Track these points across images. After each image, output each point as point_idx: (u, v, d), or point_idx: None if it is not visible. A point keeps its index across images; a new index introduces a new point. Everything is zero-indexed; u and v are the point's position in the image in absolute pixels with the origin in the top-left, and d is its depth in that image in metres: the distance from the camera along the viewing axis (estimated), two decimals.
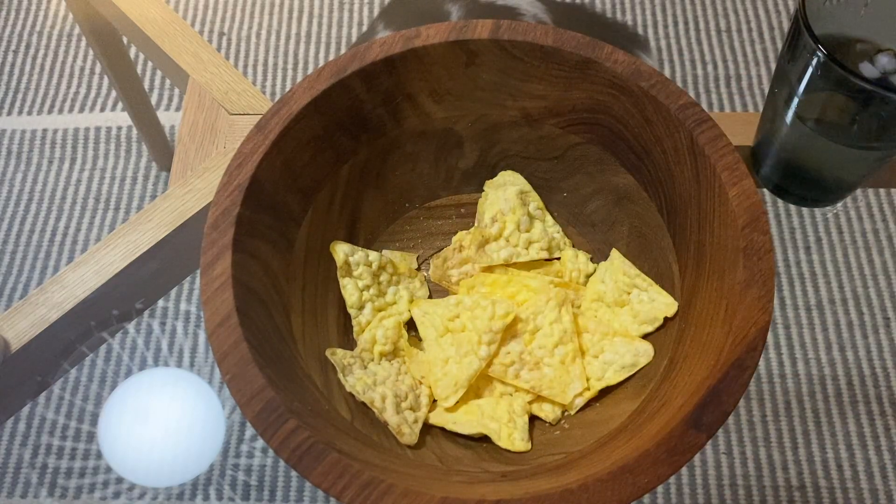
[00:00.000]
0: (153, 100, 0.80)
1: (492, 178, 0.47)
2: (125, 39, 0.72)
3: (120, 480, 0.56)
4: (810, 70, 0.41)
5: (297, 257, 0.42)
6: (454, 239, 0.47)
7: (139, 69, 0.81)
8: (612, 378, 0.41)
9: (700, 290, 0.39)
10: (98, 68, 0.81)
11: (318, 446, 0.33)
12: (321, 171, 0.43)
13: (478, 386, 0.42)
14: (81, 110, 0.78)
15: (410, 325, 0.44)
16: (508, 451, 0.40)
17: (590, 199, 0.46)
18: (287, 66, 0.82)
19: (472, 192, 0.48)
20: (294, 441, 0.33)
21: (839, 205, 0.64)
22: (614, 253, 0.44)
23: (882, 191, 0.69)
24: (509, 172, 0.47)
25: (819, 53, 0.40)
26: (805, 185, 0.50)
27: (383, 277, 0.44)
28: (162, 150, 0.77)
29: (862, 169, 0.48)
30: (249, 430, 0.58)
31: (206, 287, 0.36)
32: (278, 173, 0.40)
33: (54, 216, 0.72)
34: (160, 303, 0.62)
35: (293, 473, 0.58)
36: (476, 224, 0.46)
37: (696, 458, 0.60)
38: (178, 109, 0.79)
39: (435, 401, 0.41)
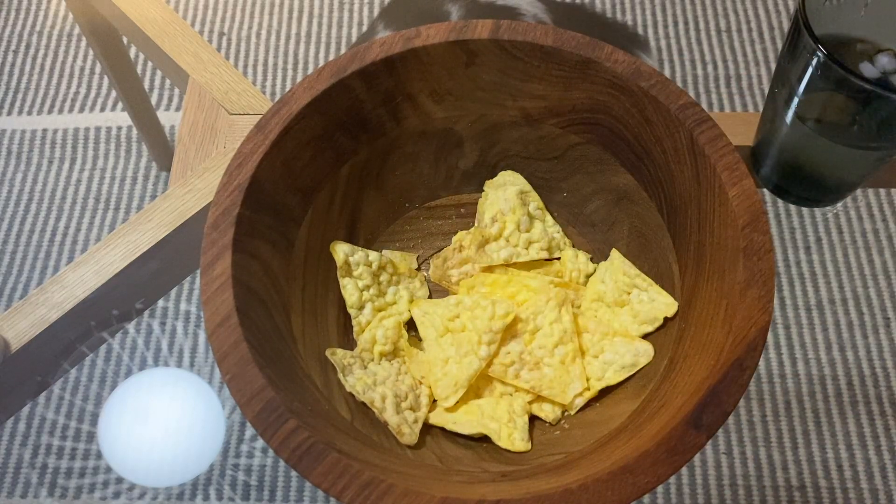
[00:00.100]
0: (153, 100, 0.80)
1: (492, 178, 0.47)
2: (125, 39, 0.72)
3: (120, 480, 0.56)
4: (810, 70, 0.41)
5: (297, 257, 0.42)
6: (454, 239, 0.47)
7: (139, 69, 0.81)
8: (612, 378, 0.41)
9: (700, 290, 0.39)
10: (98, 68, 0.81)
11: (318, 446, 0.33)
12: (321, 171, 0.43)
13: (478, 386, 0.42)
14: (81, 110, 0.78)
15: (410, 325, 0.44)
16: (508, 451, 0.40)
17: (590, 199, 0.46)
18: (287, 66, 0.82)
19: (472, 192, 0.48)
20: (294, 441, 0.33)
21: (839, 205, 0.64)
22: (614, 253, 0.44)
23: (882, 191, 0.69)
24: (509, 172, 0.47)
25: (819, 53, 0.40)
26: (805, 185, 0.50)
27: (383, 277, 0.44)
28: (162, 150, 0.77)
29: (862, 169, 0.48)
30: (249, 430, 0.58)
31: (206, 287, 0.36)
32: (278, 173, 0.40)
33: (54, 216, 0.72)
34: (160, 303, 0.62)
35: (293, 473, 0.58)
36: (476, 224, 0.46)
37: (696, 458, 0.60)
38: (178, 109, 0.79)
39: (435, 401, 0.41)
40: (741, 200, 0.37)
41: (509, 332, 0.41)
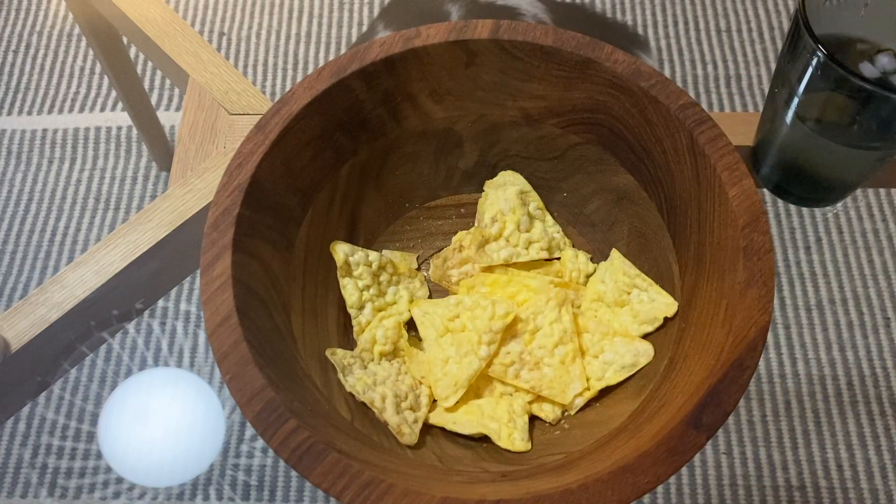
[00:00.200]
0: (153, 100, 0.80)
1: (492, 178, 0.47)
2: (125, 39, 0.72)
3: (120, 480, 0.56)
4: (810, 70, 0.41)
5: (297, 257, 0.42)
6: (454, 239, 0.47)
7: (139, 69, 0.81)
8: (612, 378, 0.41)
9: (700, 290, 0.39)
10: (98, 68, 0.81)
11: (318, 446, 0.33)
12: (321, 171, 0.43)
13: (478, 386, 0.42)
14: (81, 110, 0.78)
15: (410, 325, 0.44)
16: (508, 451, 0.40)
17: (590, 199, 0.46)
18: (287, 66, 0.82)
19: (472, 192, 0.48)
20: (294, 441, 0.33)
21: (839, 205, 0.64)
22: (614, 253, 0.44)
23: (882, 191, 0.69)
24: (509, 172, 0.47)
25: (819, 53, 0.40)
26: (805, 185, 0.50)
27: (383, 277, 0.44)
28: (162, 150, 0.77)
29: (862, 169, 0.48)
30: (249, 430, 0.58)
31: (206, 287, 0.36)
32: (278, 173, 0.40)
33: (54, 216, 0.72)
34: (160, 303, 0.62)
35: (293, 473, 0.58)
36: (476, 224, 0.46)
37: (696, 458, 0.59)
38: (178, 109, 0.79)
39: (435, 401, 0.41)
40: (741, 200, 0.37)
41: (509, 332, 0.41)
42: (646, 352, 0.40)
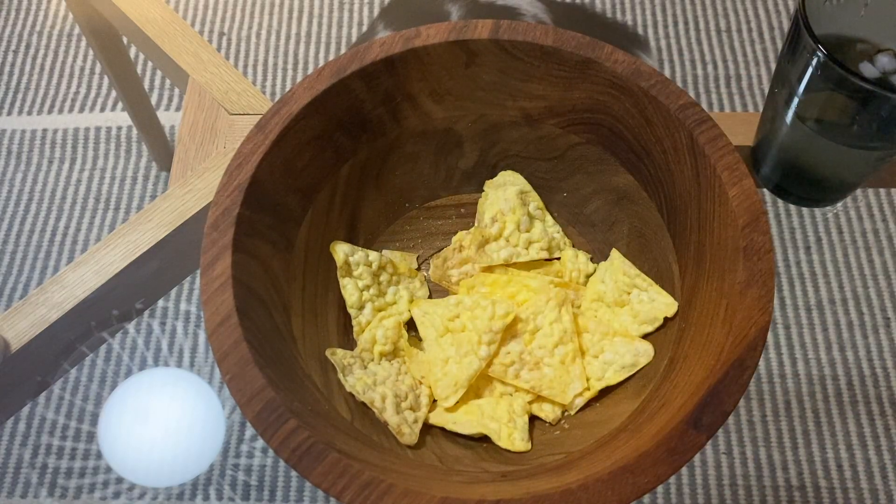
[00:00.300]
0: (153, 100, 0.80)
1: (492, 178, 0.47)
2: (125, 39, 0.72)
3: (120, 480, 0.56)
4: (810, 70, 0.41)
5: (297, 257, 0.42)
6: (454, 239, 0.47)
7: (139, 69, 0.81)
8: (612, 378, 0.41)
9: (700, 290, 0.39)
10: (98, 68, 0.81)
11: (318, 446, 0.33)
12: (321, 171, 0.43)
13: (478, 386, 0.42)
14: (81, 110, 0.78)
15: (410, 325, 0.44)
16: (508, 451, 0.40)
17: (590, 199, 0.46)
18: (287, 66, 0.82)
19: (472, 192, 0.48)
20: (294, 441, 0.33)
21: (839, 205, 0.64)
22: (614, 253, 0.44)
23: (882, 191, 0.69)
24: (509, 172, 0.47)
25: (819, 53, 0.40)
26: (805, 185, 0.50)
27: (383, 277, 0.44)
28: (162, 150, 0.77)
29: (862, 169, 0.48)
30: (249, 430, 0.58)
31: (206, 287, 0.36)
32: (278, 173, 0.40)
33: (54, 216, 0.72)
34: (160, 303, 0.62)
35: (293, 473, 0.58)
36: (476, 224, 0.46)
37: (696, 458, 0.59)
38: (178, 109, 0.79)
39: (435, 401, 0.41)
40: (741, 200, 0.37)
41: (509, 332, 0.41)
42: (646, 352, 0.40)
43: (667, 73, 0.80)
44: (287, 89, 0.49)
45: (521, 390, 0.41)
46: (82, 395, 0.60)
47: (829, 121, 0.44)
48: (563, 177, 0.46)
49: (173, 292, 0.64)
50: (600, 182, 0.45)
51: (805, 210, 0.67)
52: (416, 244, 0.48)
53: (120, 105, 0.78)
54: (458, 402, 0.41)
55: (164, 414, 0.53)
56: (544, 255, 0.45)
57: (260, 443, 0.58)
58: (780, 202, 0.52)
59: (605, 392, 0.41)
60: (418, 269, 0.47)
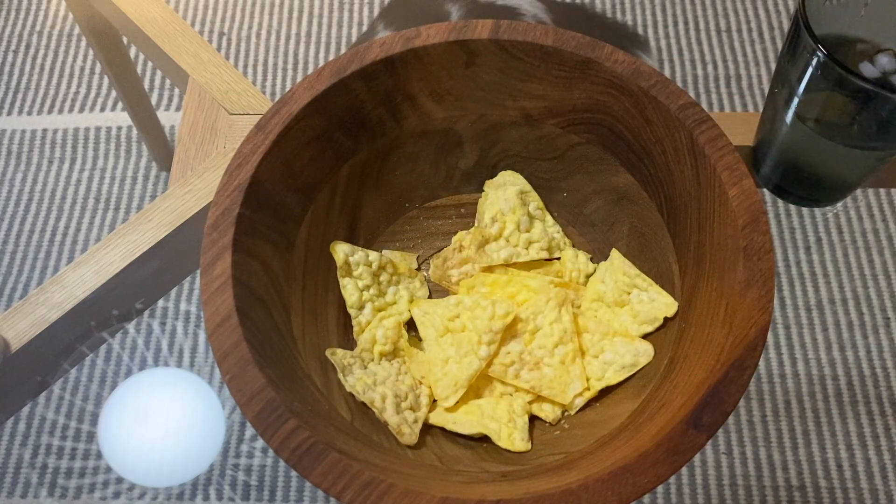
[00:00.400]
0: (153, 100, 0.80)
1: (492, 178, 0.47)
2: (125, 39, 0.72)
3: (120, 480, 0.56)
4: (810, 70, 0.41)
5: (297, 257, 0.42)
6: (454, 239, 0.47)
7: (139, 69, 0.81)
8: (612, 378, 0.41)
9: (700, 290, 0.39)
10: (98, 68, 0.81)
11: (318, 446, 0.33)
12: (321, 171, 0.43)
13: (478, 386, 0.42)
14: (81, 110, 0.78)
15: (410, 325, 0.44)
16: (508, 451, 0.40)
17: (590, 199, 0.46)
18: (287, 66, 0.82)
19: (472, 192, 0.48)
20: (294, 441, 0.33)
21: (839, 205, 0.64)
22: (614, 253, 0.44)
23: (882, 191, 0.69)
24: (509, 172, 0.47)
25: (819, 53, 0.40)
26: (805, 185, 0.50)
27: (383, 277, 0.44)
28: (162, 150, 0.77)
29: (862, 169, 0.48)
30: (249, 430, 0.58)
31: (206, 287, 0.36)
32: (278, 173, 0.40)
33: (54, 216, 0.72)
34: (160, 303, 0.62)
35: (293, 473, 0.58)
36: (476, 224, 0.46)
37: (696, 458, 0.59)
38: (178, 109, 0.79)
39: (435, 401, 0.41)
40: (741, 200, 0.37)
41: (509, 332, 0.41)
42: (646, 352, 0.40)
43: (667, 73, 0.80)
44: (287, 89, 0.49)
45: (521, 390, 0.41)
46: (82, 395, 0.60)
47: (829, 121, 0.44)
48: (563, 177, 0.46)
49: (173, 292, 0.64)
50: (600, 182, 0.45)
51: (805, 210, 0.67)
52: (416, 244, 0.48)
53: (120, 105, 0.78)
54: (458, 402, 0.41)
55: (164, 414, 0.53)
56: (544, 255, 0.45)
57: (260, 443, 0.58)
58: (780, 202, 0.52)
59: (605, 392, 0.41)
60: (418, 269, 0.47)
